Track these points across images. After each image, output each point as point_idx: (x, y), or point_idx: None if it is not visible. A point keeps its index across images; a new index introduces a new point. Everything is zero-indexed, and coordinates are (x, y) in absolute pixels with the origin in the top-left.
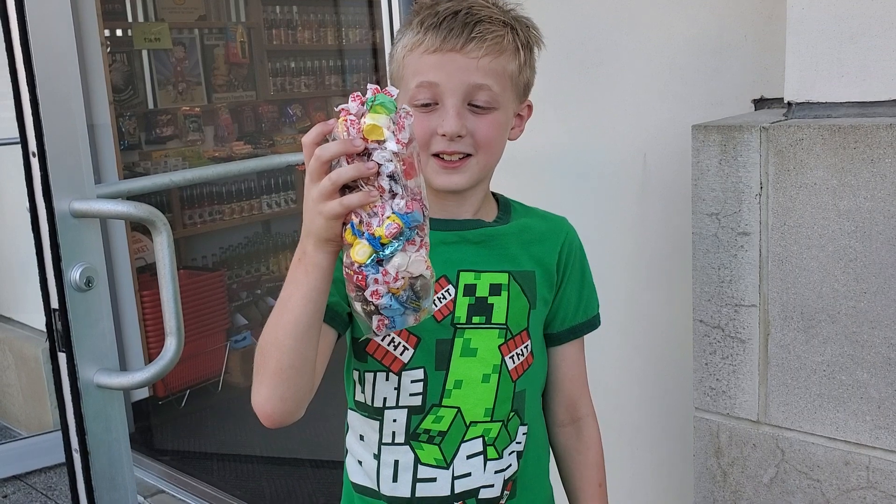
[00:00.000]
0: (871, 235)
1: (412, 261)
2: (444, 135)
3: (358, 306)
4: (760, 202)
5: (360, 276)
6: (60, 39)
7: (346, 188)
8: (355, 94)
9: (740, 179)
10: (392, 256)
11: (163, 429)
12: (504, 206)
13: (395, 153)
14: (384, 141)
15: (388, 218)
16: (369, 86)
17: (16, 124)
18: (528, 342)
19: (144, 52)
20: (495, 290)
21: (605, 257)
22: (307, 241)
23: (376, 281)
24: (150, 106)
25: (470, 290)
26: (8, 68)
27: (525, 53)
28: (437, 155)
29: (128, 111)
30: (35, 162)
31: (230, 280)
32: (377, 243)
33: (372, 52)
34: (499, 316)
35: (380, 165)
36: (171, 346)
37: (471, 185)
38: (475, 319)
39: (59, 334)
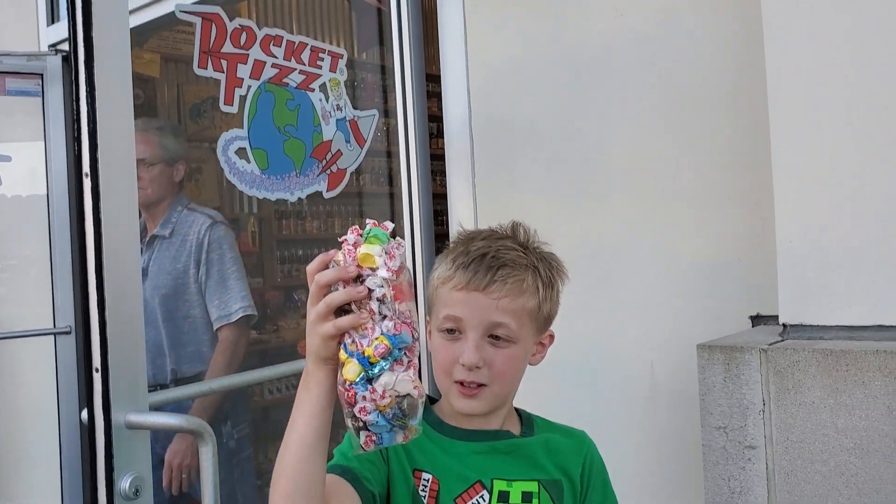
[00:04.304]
0: (869, 452)
1: (399, 380)
2: (463, 364)
3: (349, 422)
4: (764, 418)
5: (349, 393)
6: (129, 266)
7: (342, 311)
8: (354, 227)
9: (744, 396)
10: (380, 375)
11: None
12: (527, 420)
13: (385, 279)
14: (377, 268)
15: (376, 339)
16: (367, 221)
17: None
18: None
19: None
20: (527, 497)
21: (614, 464)
22: (309, 360)
23: (364, 398)
24: None
25: (504, 496)
26: (80, 292)
27: (546, 291)
28: (457, 381)
29: None
30: (97, 377)
31: None
32: (366, 362)
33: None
34: None
35: (371, 290)
36: None
37: (487, 410)
38: None
39: None
